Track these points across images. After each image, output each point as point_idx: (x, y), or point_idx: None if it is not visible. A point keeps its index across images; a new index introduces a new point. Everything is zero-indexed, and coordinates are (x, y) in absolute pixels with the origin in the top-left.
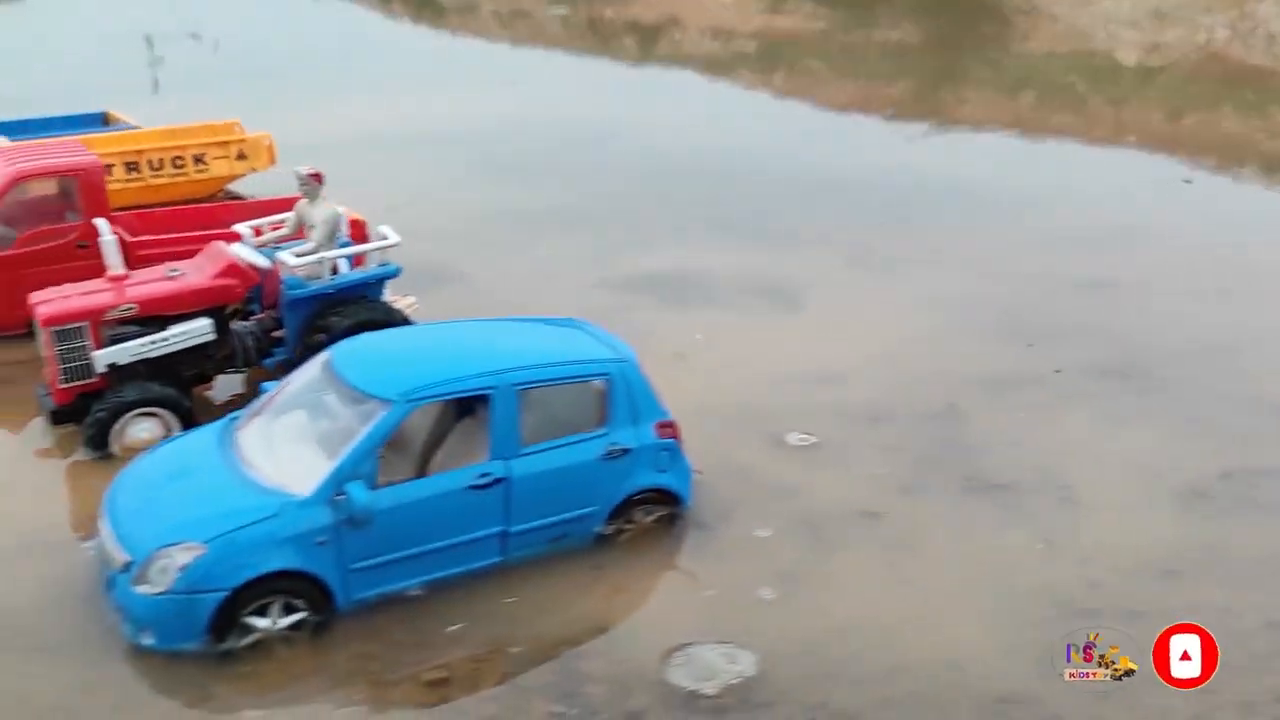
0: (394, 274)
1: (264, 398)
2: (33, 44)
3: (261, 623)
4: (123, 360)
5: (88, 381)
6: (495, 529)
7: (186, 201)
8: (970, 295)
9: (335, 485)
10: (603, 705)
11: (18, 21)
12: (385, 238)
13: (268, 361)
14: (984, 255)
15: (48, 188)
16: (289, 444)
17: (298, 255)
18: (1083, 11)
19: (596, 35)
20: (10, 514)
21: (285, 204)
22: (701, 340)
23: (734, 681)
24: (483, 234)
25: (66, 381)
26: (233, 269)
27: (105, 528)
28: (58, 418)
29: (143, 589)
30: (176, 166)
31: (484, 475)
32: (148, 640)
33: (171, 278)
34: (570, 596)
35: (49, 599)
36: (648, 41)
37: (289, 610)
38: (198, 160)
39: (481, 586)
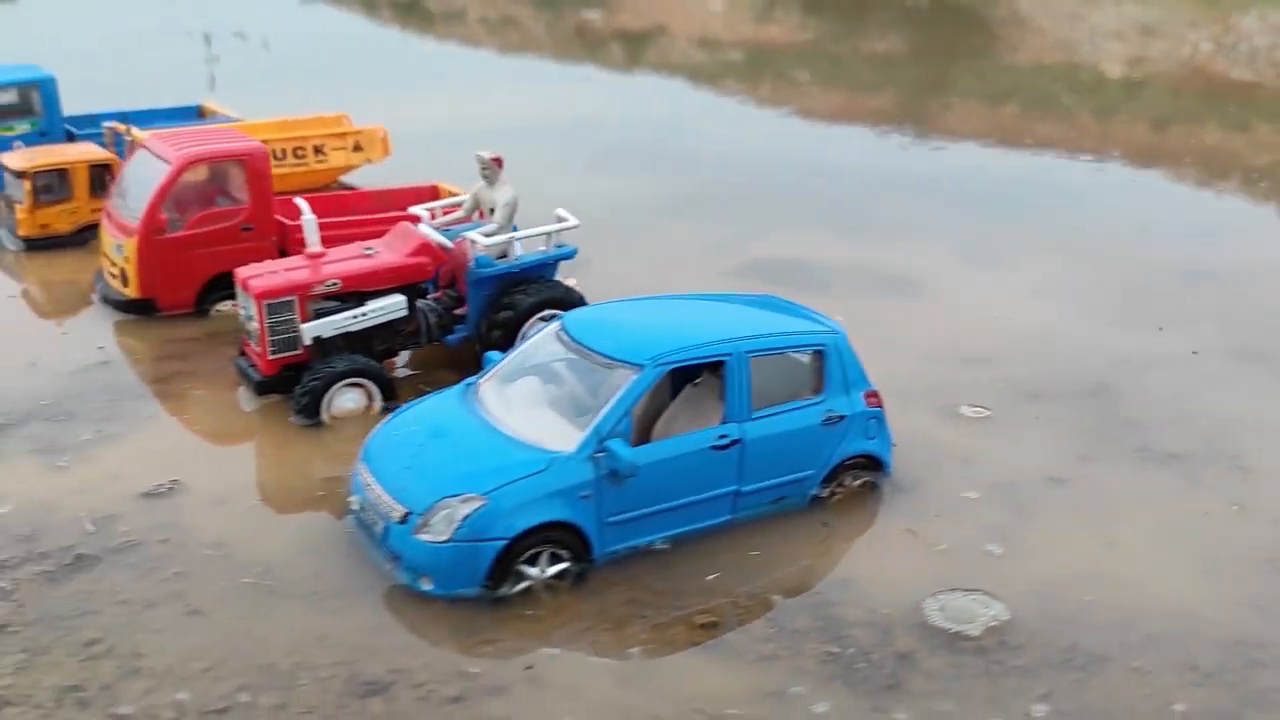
0: (570, 255)
1: (494, 366)
2: (34, 44)
3: (532, 571)
4: (326, 333)
5: (293, 354)
6: (730, 488)
7: (301, 191)
8: (1084, 282)
9: (596, 443)
10: (872, 646)
11: (14, 19)
12: (564, 220)
13: (450, 338)
14: (1083, 246)
15: (204, 173)
16: (535, 407)
17: (485, 235)
18: (1069, 25)
19: (584, 42)
20: (247, 478)
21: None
22: (844, 322)
23: (993, 624)
24: (591, 223)
25: (275, 353)
26: (425, 248)
27: (374, 484)
28: (263, 388)
29: (425, 537)
30: (298, 157)
31: (722, 437)
32: (426, 586)
33: (367, 255)
34: (809, 551)
35: (312, 550)
36: (636, 49)
37: (554, 560)
38: (318, 151)
39: (718, 542)
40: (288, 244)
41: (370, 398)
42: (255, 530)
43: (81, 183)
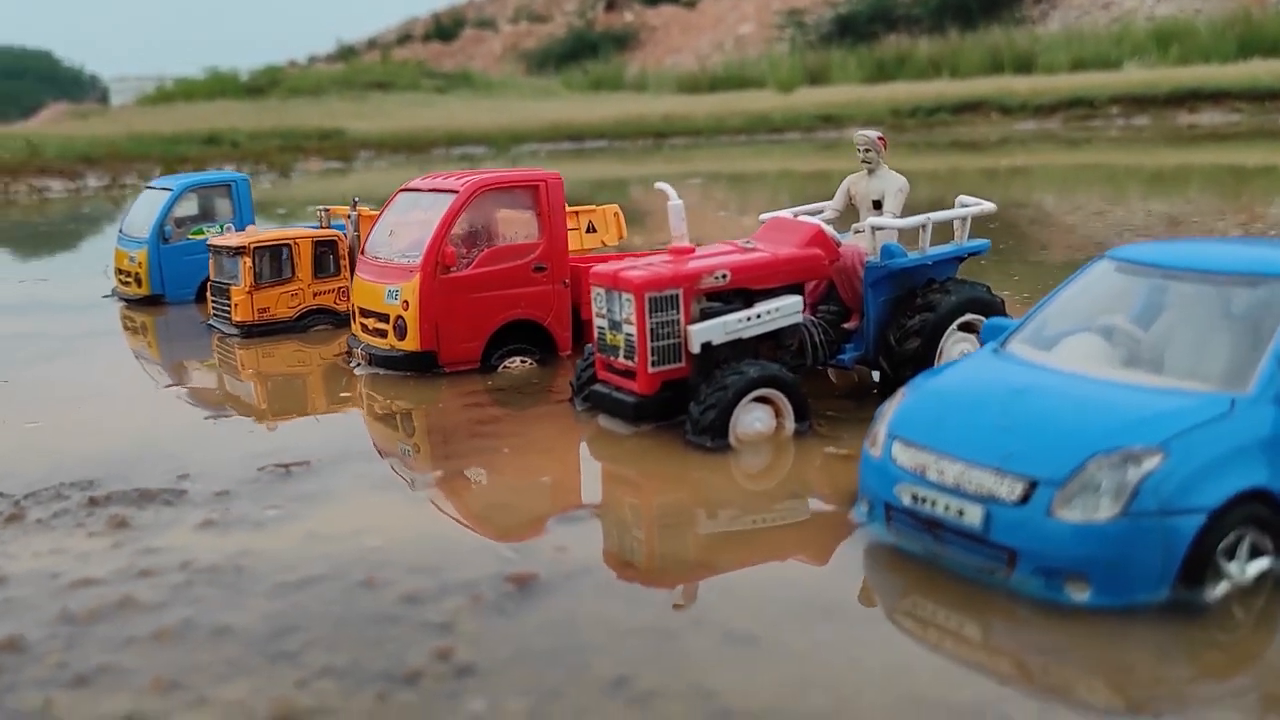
0: (984, 249)
1: (1025, 322)
2: None
3: (1230, 567)
4: (717, 339)
5: (673, 367)
6: None
7: None
8: None
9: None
10: None
11: None
12: (970, 205)
13: (842, 359)
14: None
15: (491, 206)
16: (1127, 353)
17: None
18: (1097, 221)
19: None
20: (678, 499)
21: None
22: None
23: None
24: None
25: (656, 365)
26: (820, 237)
27: (948, 458)
28: (640, 412)
29: (1073, 516)
30: None
31: None
32: (1078, 596)
33: (749, 249)
34: None
35: (840, 568)
36: None
37: (1251, 553)
38: None
39: None
40: (581, 296)
41: (779, 415)
42: (725, 551)
43: (305, 262)
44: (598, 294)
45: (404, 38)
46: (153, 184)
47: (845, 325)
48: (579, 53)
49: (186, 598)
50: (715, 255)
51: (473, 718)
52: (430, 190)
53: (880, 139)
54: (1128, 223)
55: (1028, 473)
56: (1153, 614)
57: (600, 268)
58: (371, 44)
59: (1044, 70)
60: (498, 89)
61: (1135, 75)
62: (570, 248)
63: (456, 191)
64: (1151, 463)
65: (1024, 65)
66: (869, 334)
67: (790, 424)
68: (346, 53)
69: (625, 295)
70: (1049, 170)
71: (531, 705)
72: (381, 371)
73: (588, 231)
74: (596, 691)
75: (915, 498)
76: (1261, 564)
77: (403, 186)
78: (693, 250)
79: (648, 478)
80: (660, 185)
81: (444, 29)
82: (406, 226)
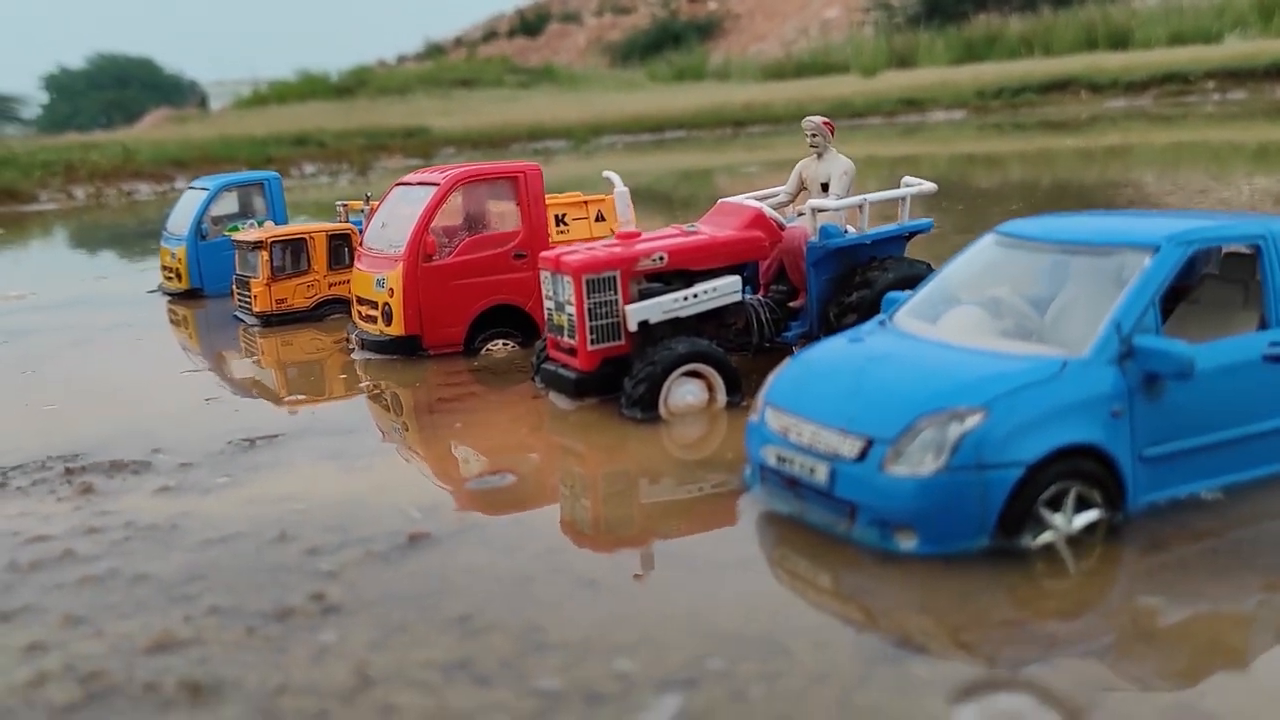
0: (927, 228)
1: (912, 296)
2: None
3: (1055, 518)
4: (654, 318)
5: (614, 345)
6: None
7: None
8: None
9: (1117, 341)
10: None
11: None
12: (913, 185)
13: (787, 335)
14: None
15: (474, 198)
16: (999, 323)
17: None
18: (1200, 198)
19: None
20: (590, 469)
21: None
22: None
23: None
24: None
25: (595, 342)
26: (760, 220)
27: (805, 421)
28: (581, 387)
29: (901, 470)
30: None
31: (1275, 344)
32: (906, 544)
33: (692, 233)
34: None
35: (706, 525)
36: None
37: (1080, 506)
38: (559, 221)
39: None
40: None
41: (712, 390)
42: (620, 509)
43: (320, 255)
44: (545, 277)
45: (490, 34)
46: (193, 184)
47: (792, 304)
48: (663, 43)
49: (120, 551)
50: (655, 239)
51: (320, 647)
52: (418, 184)
53: (826, 124)
54: (1234, 201)
55: (865, 432)
56: (979, 560)
57: (546, 253)
58: (458, 41)
59: (1140, 45)
60: (581, 82)
61: (1233, 48)
62: (580, 236)
63: (438, 184)
64: (973, 421)
65: (1119, 41)
66: (812, 311)
67: (722, 397)
68: (433, 51)
69: (566, 278)
70: (1146, 149)
71: (375, 637)
72: (373, 356)
73: (596, 220)
74: (437, 627)
75: (779, 458)
76: (1090, 515)
77: (396, 181)
78: (639, 235)
79: (584, 447)
80: (607, 174)
81: (529, 24)
82: (397, 219)
